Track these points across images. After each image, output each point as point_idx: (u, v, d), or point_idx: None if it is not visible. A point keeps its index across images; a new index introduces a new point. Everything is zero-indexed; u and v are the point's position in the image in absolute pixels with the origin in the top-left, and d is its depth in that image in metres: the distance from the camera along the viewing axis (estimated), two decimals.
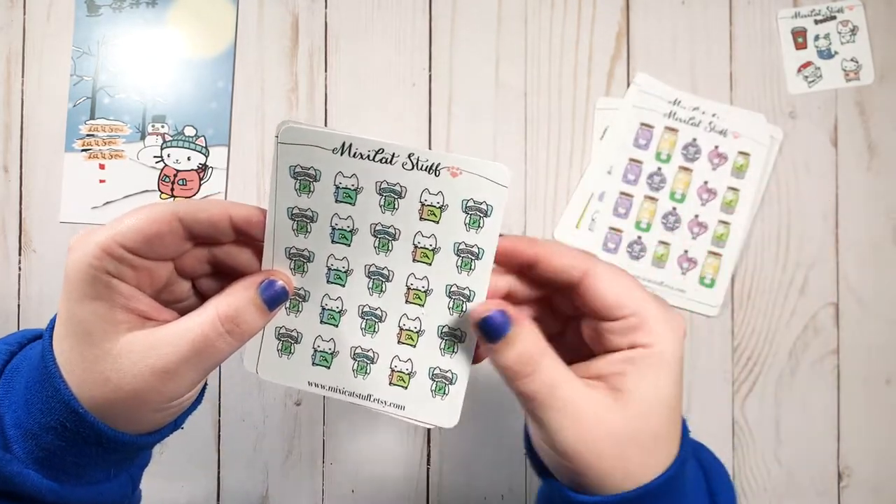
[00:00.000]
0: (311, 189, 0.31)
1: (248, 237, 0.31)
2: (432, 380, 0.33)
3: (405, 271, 0.32)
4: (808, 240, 0.68)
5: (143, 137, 0.68)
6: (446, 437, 0.67)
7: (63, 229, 0.68)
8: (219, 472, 0.67)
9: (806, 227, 0.68)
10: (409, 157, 0.30)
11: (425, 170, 0.31)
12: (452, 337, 0.33)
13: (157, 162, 0.68)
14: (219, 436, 0.67)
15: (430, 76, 0.69)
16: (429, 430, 0.67)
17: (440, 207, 0.31)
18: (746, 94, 0.69)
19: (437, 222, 0.31)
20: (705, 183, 0.68)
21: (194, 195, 0.68)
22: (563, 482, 0.31)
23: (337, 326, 0.33)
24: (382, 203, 0.31)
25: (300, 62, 0.69)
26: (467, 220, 0.31)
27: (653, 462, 0.30)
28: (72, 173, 0.68)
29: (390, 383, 0.33)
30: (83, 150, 0.68)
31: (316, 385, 0.34)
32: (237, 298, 0.30)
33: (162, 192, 0.68)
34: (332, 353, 0.33)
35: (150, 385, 0.28)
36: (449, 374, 0.33)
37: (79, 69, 0.69)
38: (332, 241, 0.32)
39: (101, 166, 0.68)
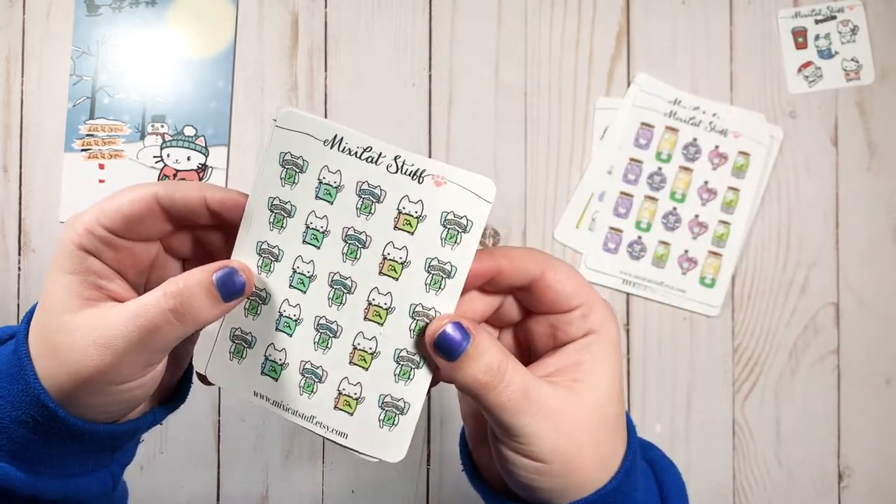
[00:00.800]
0: (296, 181, 0.30)
1: (223, 221, 0.31)
2: (381, 408, 0.31)
3: (369, 284, 0.30)
4: (808, 240, 0.68)
5: (142, 137, 0.68)
6: (446, 438, 0.67)
7: (62, 229, 0.68)
8: (219, 472, 0.67)
9: (806, 227, 0.68)
10: (395, 159, 0.29)
11: (409, 175, 0.29)
12: (409, 363, 0.30)
13: (156, 162, 0.68)
14: (219, 436, 0.67)
15: (430, 76, 0.69)
16: (428, 429, 0.67)
17: (417, 218, 0.29)
18: (746, 94, 0.69)
19: (412, 233, 0.30)
20: (705, 183, 0.68)
21: None
22: (533, 498, 0.30)
23: (291, 336, 0.31)
24: (359, 205, 0.30)
25: (300, 62, 0.69)
26: (444, 235, 0.29)
27: (619, 446, 0.31)
28: (71, 173, 0.68)
29: (335, 407, 0.31)
30: (83, 150, 0.68)
31: (261, 397, 0.31)
32: (189, 278, 0.28)
33: None
34: (281, 365, 0.31)
35: (92, 361, 0.27)
36: (401, 404, 0.30)
37: (78, 69, 0.68)
38: (304, 241, 0.30)
39: (101, 166, 0.68)
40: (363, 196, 0.30)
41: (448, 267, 0.30)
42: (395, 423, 0.31)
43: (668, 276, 0.68)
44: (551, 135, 0.68)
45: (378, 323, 0.30)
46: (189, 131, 0.68)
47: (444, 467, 0.67)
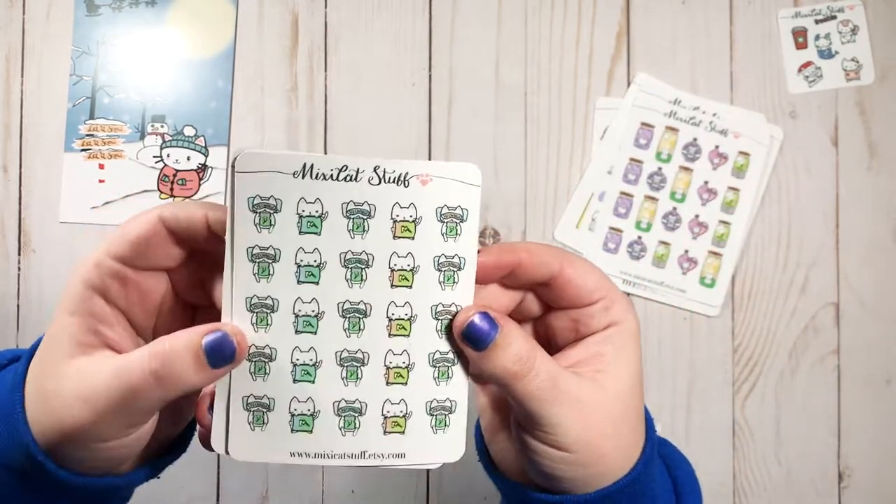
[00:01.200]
0: (273, 222, 0.28)
1: (223, 242, 0.29)
2: (431, 415, 0.30)
3: (384, 301, 0.29)
4: (808, 240, 0.68)
5: (142, 137, 0.68)
6: None
7: (63, 229, 0.68)
8: (219, 472, 0.67)
9: (806, 227, 0.68)
10: (375, 170, 0.28)
11: (394, 182, 0.28)
12: (445, 361, 0.30)
13: (156, 162, 0.68)
14: None
15: (430, 76, 0.69)
16: None
17: (414, 221, 0.29)
18: (747, 94, 0.69)
19: (413, 238, 0.29)
20: (706, 183, 0.68)
21: (194, 195, 0.68)
22: (555, 488, 0.30)
23: (313, 382, 0.29)
24: (351, 227, 0.29)
25: (300, 62, 0.69)
26: (444, 230, 0.29)
27: (639, 437, 0.31)
28: (71, 173, 0.68)
29: (385, 432, 0.30)
30: (83, 150, 0.68)
31: (299, 455, 0.30)
32: (177, 340, 0.27)
33: (161, 192, 0.68)
34: (312, 415, 0.29)
35: (73, 415, 0.27)
36: (448, 404, 0.30)
37: (78, 69, 0.68)
38: (299, 282, 0.29)
39: (101, 166, 0.68)
40: (352, 217, 0.29)
41: (456, 260, 0.30)
42: (448, 423, 0.31)
43: (668, 276, 0.68)
44: (551, 135, 0.68)
45: (404, 335, 0.30)
46: (189, 131, 0.68)
47: (444, 467, 0.67)
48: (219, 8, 0.69)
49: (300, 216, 0.28)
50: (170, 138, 0.68)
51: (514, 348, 0.29)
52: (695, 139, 0.68)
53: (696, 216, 0.68)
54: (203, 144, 0.68)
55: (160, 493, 0.67)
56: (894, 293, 0.68)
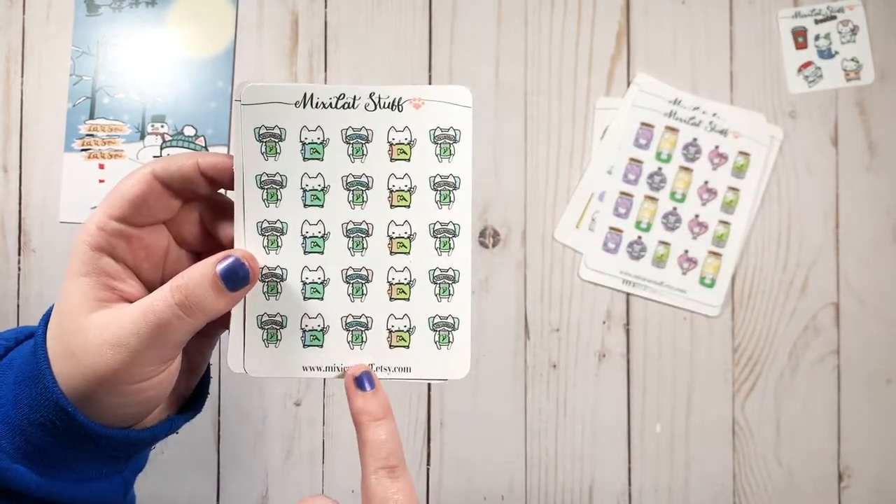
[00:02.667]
0: (278, 150, 0.30)
1: (219, 185, 0.31)
2: (434, 330, 0.32)
3: (384, 220, 0.31)
4: (808, 240, 0.68)
5: (142, 137, 0.68)
6: (446, 438, 0.67)
7: (62, 229, 0.68)
8: (218, 472, 0.67)
9: (806, 227, 0.68)
10: (371, 96, 0.30)
11: (388, 107, 0.30)
12: (446, 279, 0.31)
13: None
14: (218, 436, 0.67)
15: (430, 76, 0.69)
16: (429, 429, 0.67)
17: (409, 143, 0.31)
18: (747, 94, 0.69)
19: (409, 160, 0.31)
20: (705, 183, 0.68)
21: None
22: None
23: (322, 299, 0.31)
24: (350, 151, 0.31)
25: (300, 62, 0.69)
26: (438, 151, 0.31)
27: None
28: (71, 173, 0.68)
29: (391, 346, 0.32)
30: (83, 150, 0.68)
31: (311, 369, 0.31)
32: (193, 272, 0.29)
33: None
34: (322, 330, 0.31)
35: (105, 360, 0.28)
36: (450, 320, 0.32)
37: (78, 69, 0.68)
38: (305, 205, 0.31)
39: (101, 166, 0.68)
40: (351, 142, 0.31)
41: (451, 179, 0.31)
42: (451, 339, 0.32)
43: (668, 276, 0.68)
44: (551, 134, 0.68)
45: (405, 253, 0.31)
46: (189, 131, 0.68)
47: (444, 467, 0.67)
48: (219, 8, 0.69)
49: (303, 143, 0.31)
50: (170, 138, 0.68)
51: (381, 396, 0.31)
52: (695, 139, 0.68)
53: (696, 216, 0.68)
54: (203, 144, 0.68)
55: (160, 493, 0.67)
56: (894, 293, 0.68)
